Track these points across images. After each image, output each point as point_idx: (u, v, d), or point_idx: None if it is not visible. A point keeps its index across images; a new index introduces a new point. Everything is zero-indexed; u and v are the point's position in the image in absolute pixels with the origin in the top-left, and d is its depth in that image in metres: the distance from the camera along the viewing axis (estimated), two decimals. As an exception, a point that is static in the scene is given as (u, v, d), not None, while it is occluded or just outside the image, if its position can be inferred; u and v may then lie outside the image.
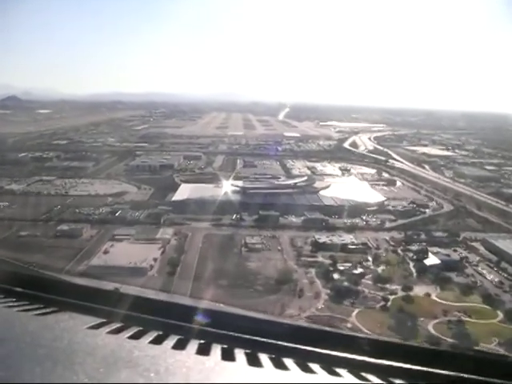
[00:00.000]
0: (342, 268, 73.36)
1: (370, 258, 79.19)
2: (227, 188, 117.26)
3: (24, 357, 2.38)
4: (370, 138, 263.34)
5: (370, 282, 69.42)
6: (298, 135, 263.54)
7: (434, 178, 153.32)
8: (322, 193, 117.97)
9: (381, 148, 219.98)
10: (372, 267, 75.48)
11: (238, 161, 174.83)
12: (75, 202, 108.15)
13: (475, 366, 2.99)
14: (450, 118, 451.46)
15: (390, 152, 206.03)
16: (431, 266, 75.84)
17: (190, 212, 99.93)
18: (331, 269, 73.13)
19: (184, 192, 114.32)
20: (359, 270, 73.04)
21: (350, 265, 75.06)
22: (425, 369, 2.91)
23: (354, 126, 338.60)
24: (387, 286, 68.61)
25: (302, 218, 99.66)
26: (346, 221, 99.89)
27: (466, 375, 2.87)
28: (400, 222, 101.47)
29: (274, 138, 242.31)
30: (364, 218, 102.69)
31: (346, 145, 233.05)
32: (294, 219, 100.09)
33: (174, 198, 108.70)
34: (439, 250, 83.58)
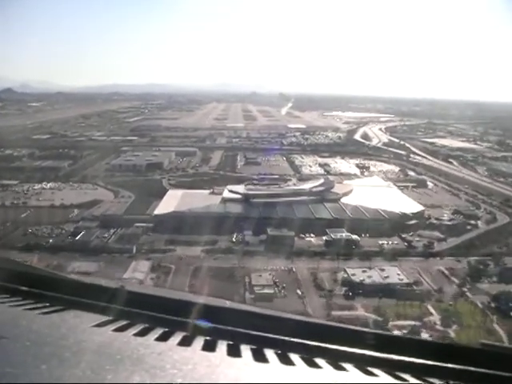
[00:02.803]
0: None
1: (432, 310, 52.79)
2: (225, 194, 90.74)
3: (30, 355, 2.34)
4: (381, 129, 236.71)
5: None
6: (303, 126, 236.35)
7: (467, 176, 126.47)
8: (343, 200, 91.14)
9: (396, 140, 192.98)
10: (440, 327, 49.04)
11: (239, 157, 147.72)
12: (32, 217, 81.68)
13: (482, 360, 2.87)
14: (455, 107, 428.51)
15: (407, 145, 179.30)
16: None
17: (177, 231, 73.59)
18: (382, 334, 46.62)
19: (171, 201, 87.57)
20: (424, 337, 46.44)
21: (407, 324, 48.61)
22: (431, 363, 2.83)
23: (361, 116, 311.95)
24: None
25: (325, 238, 73.21)
26: (381, 242, 73.49)
27: (472, 368, 2.76)
28: (451, 242, 75.05)
29: (278, 130, 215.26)
30: (404, 236, 76.25)
31: (358, 137, 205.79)
32: (313, 240, 73.63)
33: (156, 212, 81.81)
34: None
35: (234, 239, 72.51)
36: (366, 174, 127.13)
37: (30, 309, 3.26)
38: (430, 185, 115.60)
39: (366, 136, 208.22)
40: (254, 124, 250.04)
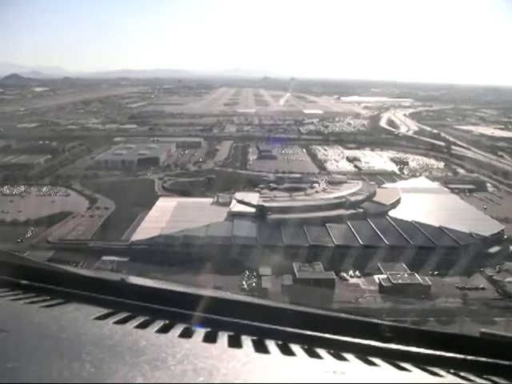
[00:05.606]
0: None
1: None
2: (233, 207, 65.99)
3: (31, 348, 2.35)
4: (405, 115, 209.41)
5: None
6: (320, 112, 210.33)
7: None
8: (392, 213, 66.02)
9: (427, 128, 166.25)
10: None
11: (251, 149, 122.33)
12: (-32, 240, 57.64)
13: (482, 348, 2.85)
14: (473, 91, 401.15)
15: (442, 134, 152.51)
16: None
17: (163, 267, 49.06)
18: None
19: (159, 217, 63.05)
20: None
21: None
22: (432, 352, 2.80)
23: (379, 101, 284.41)
24: None
25: (378, 280, 48.53)
26: (459, 285, 48.69)
27: (472, 357, 2.74)
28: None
29: (293, 116, 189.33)
30: (489, 274, 51.31)
31: (383, 124, 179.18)
32: (361, 283, 48.97)
33: (135, 236, 57.10)
34: None
35: (244, 284, 48.08)
36: (406, 171, 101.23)
37: (30, 302, 3.18)
38: (490, 187, 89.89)
39: (391, 123, 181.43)
40: (267, 110, 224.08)
